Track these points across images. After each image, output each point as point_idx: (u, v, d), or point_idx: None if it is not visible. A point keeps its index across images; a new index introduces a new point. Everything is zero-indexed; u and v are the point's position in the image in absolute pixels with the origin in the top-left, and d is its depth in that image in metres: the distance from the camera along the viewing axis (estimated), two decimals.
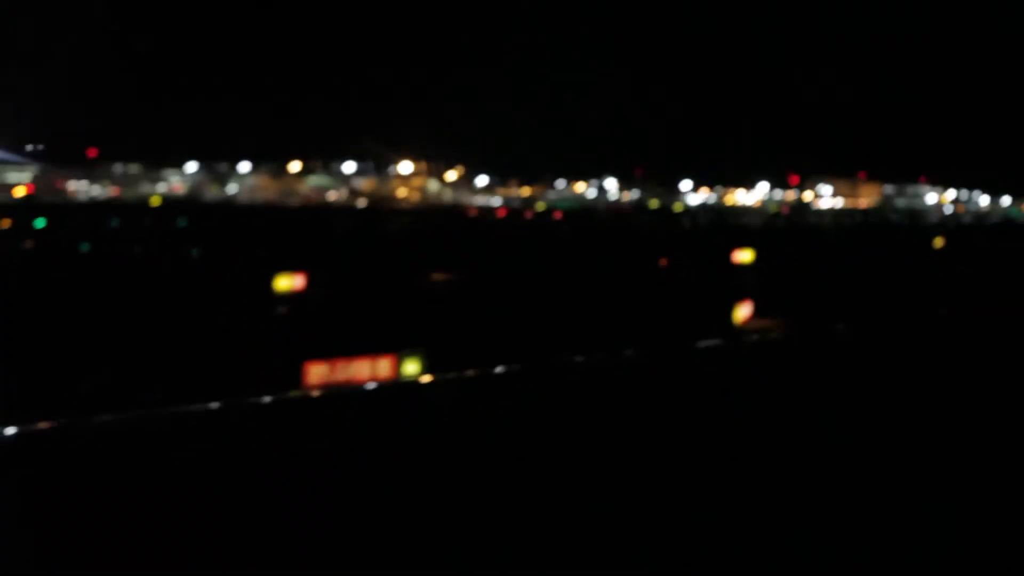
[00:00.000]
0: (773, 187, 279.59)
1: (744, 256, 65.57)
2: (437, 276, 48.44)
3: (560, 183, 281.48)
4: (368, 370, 22.75)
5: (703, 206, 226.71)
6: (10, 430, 17.98)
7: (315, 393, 21.47)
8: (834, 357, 28.23)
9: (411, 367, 23.15)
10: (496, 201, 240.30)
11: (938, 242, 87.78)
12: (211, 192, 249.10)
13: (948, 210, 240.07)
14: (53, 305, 34.53)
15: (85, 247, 66.17)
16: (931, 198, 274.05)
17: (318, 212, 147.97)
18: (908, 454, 18.07)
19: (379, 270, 51.11)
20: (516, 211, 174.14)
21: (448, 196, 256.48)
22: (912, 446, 18.59)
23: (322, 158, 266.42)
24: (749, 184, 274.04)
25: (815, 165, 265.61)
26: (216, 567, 12.27)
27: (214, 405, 20.25)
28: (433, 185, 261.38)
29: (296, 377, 22.08)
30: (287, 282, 42.71)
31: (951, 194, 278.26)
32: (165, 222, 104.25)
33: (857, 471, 16.78)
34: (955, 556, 13.13)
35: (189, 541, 13.01)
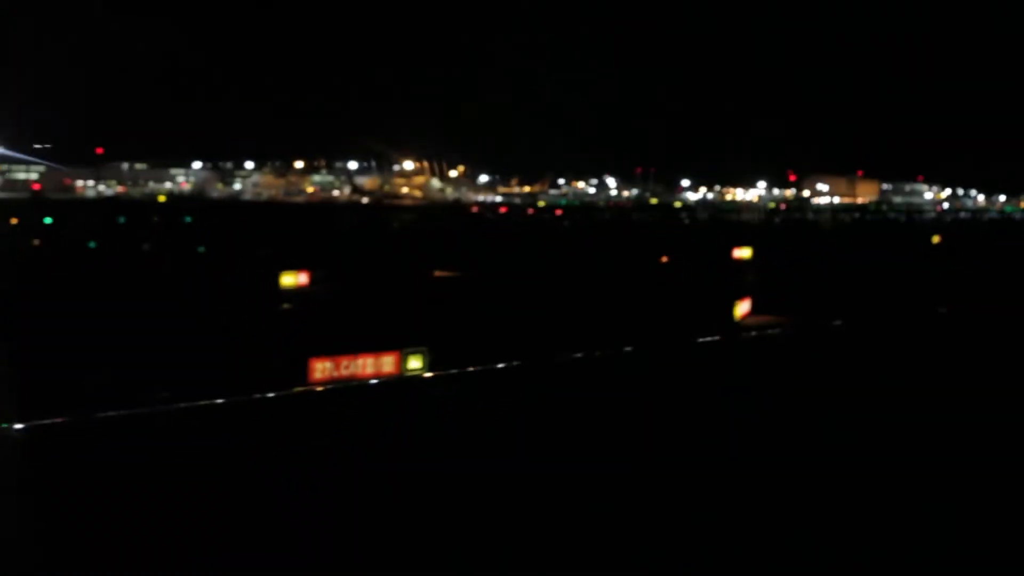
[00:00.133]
0: (771, 185, 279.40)
1: (743, 253, 65.64)
2: (439, 273, 48.47)
3: (560, 181, 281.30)
4: (372, 367, 22.73)
5: (702, 202, 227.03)
6: (18, 426, 18.03)
7: (319, 389, 21.48)
8: (832, 352, 28.25)
9: (414, 363, 23.12)
10: (497, 199, 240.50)
11: (935, 239, 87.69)
12: (216, 190, 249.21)
13: (944, 206, 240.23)
14: (61, 301, 34.56)
15: (92, 244, 66.19)
16: (928, 196, 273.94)
17: (322, 210, 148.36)
18: (903, 447, 18.08)
19: (383, 267, 51.14)
20: (517, 208, 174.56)
21: (450, 194, 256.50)
22: (907, 439, 18.59)
23: (326, 157, 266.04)
24: (748, 182, 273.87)
25: (813, 163, 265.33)
26: (223, 557, 12.29)
27: (220, 401, 20.29)
28: (435, 183, 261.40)
29: (301, 373, 22.06)
30: (292, 279, 42.79)
31: (947, 192, 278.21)
32: (171, 219, 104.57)
33: (854, 464, 16.78)
34: (951, 549, 13.13)
35: (196, 532, 13.03)
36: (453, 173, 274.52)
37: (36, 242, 65.22)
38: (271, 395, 21.01)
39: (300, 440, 17.87)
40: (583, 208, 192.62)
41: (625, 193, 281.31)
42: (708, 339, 29.56)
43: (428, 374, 23.33)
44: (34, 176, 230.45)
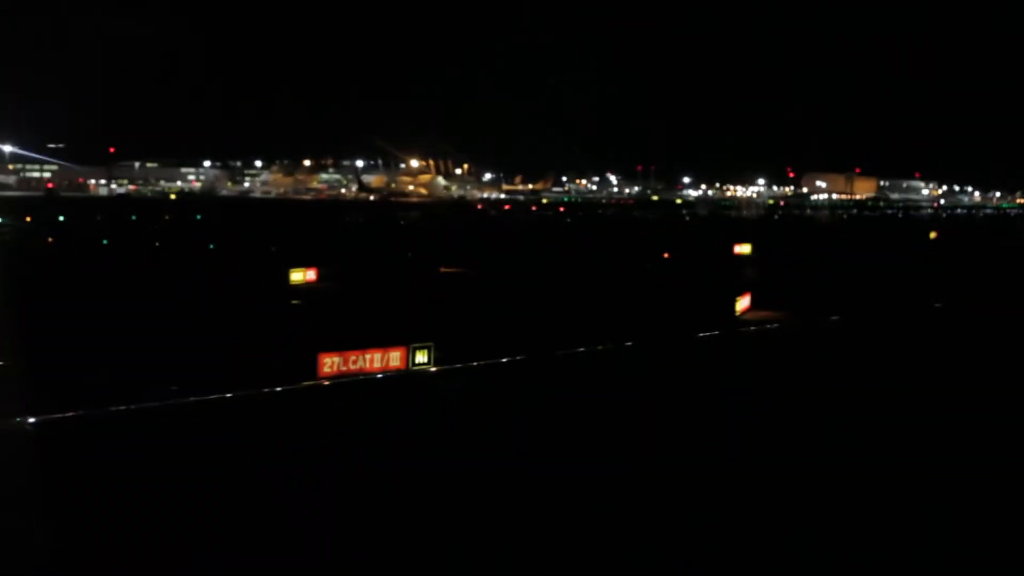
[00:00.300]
0: (771, 182, 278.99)
1: (743, 249, 65.60)
2: (445, 269, 48.44)
3: (563, 179, 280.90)
4: (379, 361, 22.72)
5: (703, 199, 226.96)
6: (31, 419, 18.07)
7: (327, 383, 21.49)
8: (831, 346, 28.24)
9: (421, 358, 23.10)
10: (501, 196, 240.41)
11: (932, 235, 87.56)
12: (226, 188, 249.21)
13: (941, 202, 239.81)
14: (73, 298, 34.59)
15: (104, 240, 66.22)
16: (924, 192, 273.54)
17: (329, 207, 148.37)
18: (897, 439, 18.09)
19: (389, 264, 51.13)
20: (521, 205, 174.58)
21: (455, 191, 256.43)
22: (902, 431, 18.60)
23: (333, 155, 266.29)
24: (748, 179, 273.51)
25: (812, 160, 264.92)
26: (231, 548, 12.31)
27: (229, 395, 20.31)
28: (440, 181, 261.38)
29: (310, 367, 22.05)
30: (300, 275, 42.81)
31: (943, 188, 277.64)
32: (182, 216, 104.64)
33: (853, 461, 16.80)
34: (948, 544, 13.14)
35: (205, 524, 13.06)
36: (458, 171, 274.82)
37: (49, 239, 65.26)
38: (279, 389, 21.03)
39: (309, 433, 17.90)
40: (586, 205, 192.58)
41: (627, 190, 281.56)
42: (709, 333, 29.56)
43: (434, 368, 23.34)
44: (48, 175, 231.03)
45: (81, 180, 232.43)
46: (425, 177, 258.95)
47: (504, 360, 24.67)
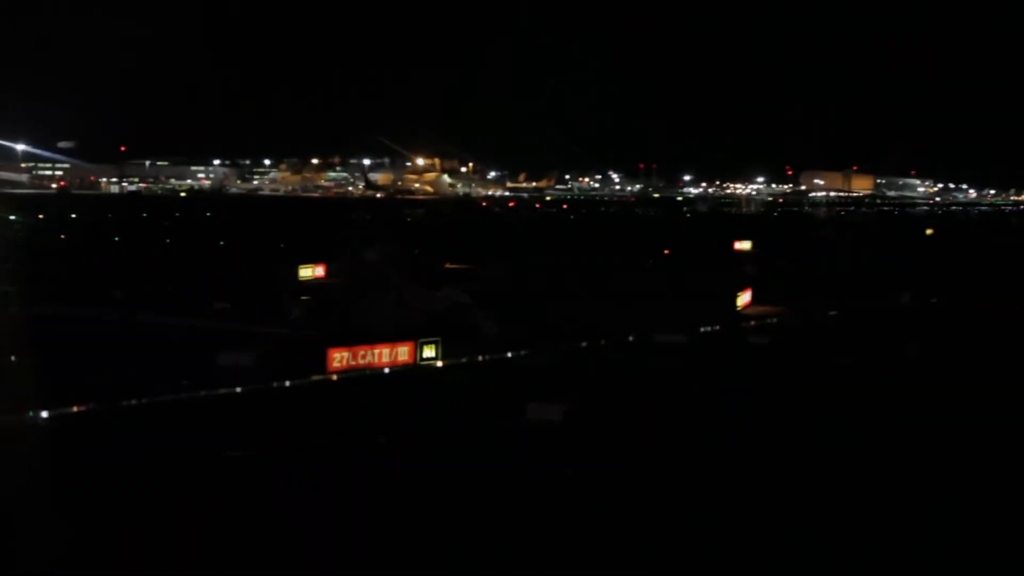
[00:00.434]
0: (770, 180, 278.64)
1: (744, 245, 65.47)
2: (450, 265, 48.25)
3: (566, 176, 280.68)
4: (388, 356, 22.62)
5: (703, 196, 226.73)
6: (44, 414, 17.98)
7: (336, 378, 21.39)
8: (831, 343, 28.10)
9: (428, 353, 23.00)
10: (505, 193, 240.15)
11: (928, 231, 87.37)
12: (235, 186, 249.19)
13: (937, 200, 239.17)
14: (82, 294, 34.53)
15: (116, 238, 66.20)
16: (920, 190, 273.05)
17: (337, 205, 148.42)
18: (896, 432, 17.98)
19: (396, 260, 50.96)
20: (525, 203, 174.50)
21: (460, 189, 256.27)
22: (900, 424, 18.48)
23: (340, 153, 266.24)
24: (747, 177, 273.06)
25: (810, 158, 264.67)
26: (238, 539, 12.23)
27: (238, 390, 20.21)
28: (446, 179, 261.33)
29: (320, 362, 21.94)
30: (309, 271, 42.70)
31: (939, 186, 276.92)
32: (191, 214, 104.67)
33: (852, 459, 16.68)
34: (948, 541, 13.03)
35: (211, 520, 12.98)
36: (463, 169, 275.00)
37: (62, 236, 65.24)
38: (288, 383, 20.93)
39: (318, 427, 17.79)
40: (588, 202, 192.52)
41: (628, 188, 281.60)
42: (711, 328, 29.41)
43: (441, 363, 23.22)
44: (59, 173, 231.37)
45: (92, 178, 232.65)
46: (431, 175, 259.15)
47: (509, 355, 24.56)
